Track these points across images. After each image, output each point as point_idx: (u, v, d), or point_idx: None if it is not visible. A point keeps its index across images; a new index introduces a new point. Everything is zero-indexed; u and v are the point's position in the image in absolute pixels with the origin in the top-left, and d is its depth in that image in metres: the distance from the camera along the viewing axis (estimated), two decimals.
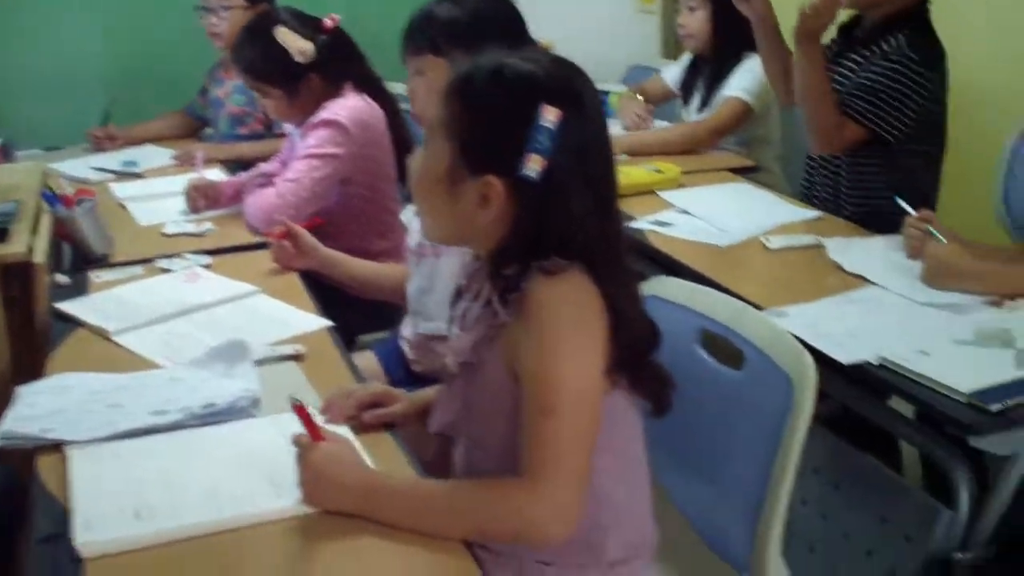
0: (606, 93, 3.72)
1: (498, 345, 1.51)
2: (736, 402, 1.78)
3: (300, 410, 1.53)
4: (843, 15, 2.87)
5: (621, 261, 1.54)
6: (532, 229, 1.47)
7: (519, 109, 1.44)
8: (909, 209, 2.38)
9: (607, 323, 1.47)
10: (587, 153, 1.48)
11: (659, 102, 3.82)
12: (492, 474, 1.54)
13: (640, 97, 3.75)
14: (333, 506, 1.49)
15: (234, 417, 1.78)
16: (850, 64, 2.85)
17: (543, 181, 1.44)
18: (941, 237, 2.26)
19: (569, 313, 1.45)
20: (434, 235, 1.64)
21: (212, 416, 1.78)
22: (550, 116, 1.42)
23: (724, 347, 1.82)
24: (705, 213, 2.77)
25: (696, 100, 3.62)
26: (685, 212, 2.79)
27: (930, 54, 2.75)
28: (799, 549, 2.19)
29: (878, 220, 2.78)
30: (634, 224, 2.70)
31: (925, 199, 2.81)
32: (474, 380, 1.56)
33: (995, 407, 1.74)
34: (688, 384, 1.71)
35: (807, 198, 3.01)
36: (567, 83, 1.49)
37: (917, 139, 2.78)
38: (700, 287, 1.93)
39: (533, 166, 1.43)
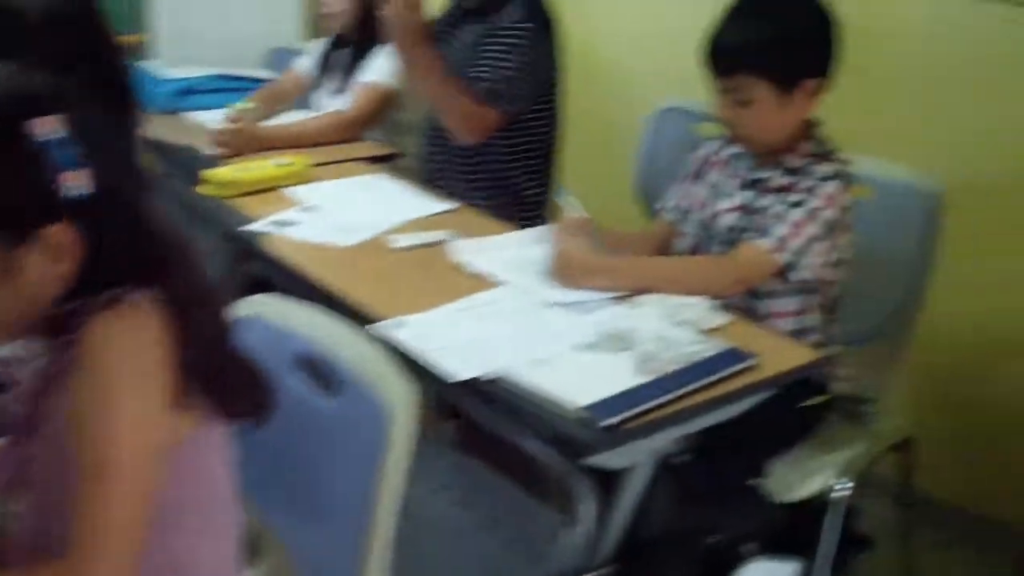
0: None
1: (61, 395, 1.26)
2: (333, 433, 1.61)
3: None
4: None
5: (194, 278, 1.33)
6: (97, 256, 1.24)
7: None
8: (570, 204, 2.26)
9: (177, 356, 1.25)
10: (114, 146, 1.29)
11: (295, 100, 3.56)
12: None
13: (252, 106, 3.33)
14: None
15: None
16: (466, 33, 2.82)
17: (98, 196, 1.22)
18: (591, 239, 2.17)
19: (124, 356, 1.22)
20: None
21: None
22: (46, 127, 1.18)
23: (324, 372, 1.63)
24: (330, 209, 2.56)
25: (332, 84, 3.41)
26: (312, 209, 2.58)
27: (546, 20, 2.76)
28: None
29: (510, 207, 2.71)
30: (249, 227, 2.46)
31: (547, 174, 2.86)
32: (36, 435, 1.30)
33: (606, 422, 1.62)
34: (288, 413, 1.55)
35: (435, 184, 2.90)
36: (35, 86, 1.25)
37: (541, 111, 2.80)
38: (299, 306, 1.72)
39: (75, 183, 1.20)
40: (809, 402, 2.16)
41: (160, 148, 3.03)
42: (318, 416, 1.62)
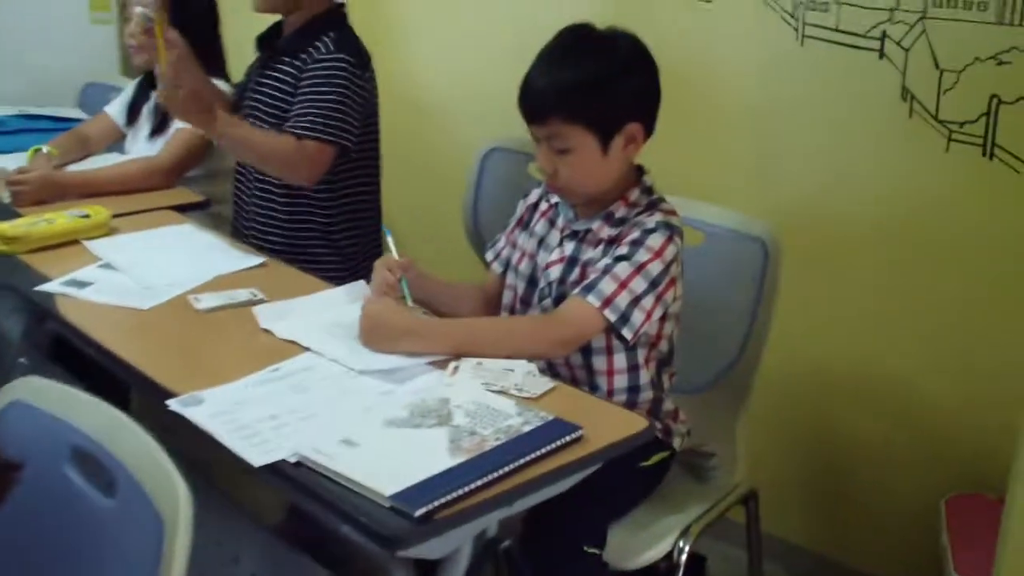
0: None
1: None
2: (108, 536, 1.42)
3: None
4: (262, 25, 2.66)
5: None
6: None
7: None
8: (392, 248, 2.11)
9: None
10: None
11: (101, 148, 3.31)
12: None
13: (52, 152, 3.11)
14: None
15: None
16: (279, 75, 2.68)
17: None
18: (407, 293, 2.02)
19: None
20: None
21: None
22: None
23: (99, 470, 1.45)
24: (130, 266, 2.35)
25: (146, 127, 3.18)
26: (110, 266, 2.37)
27: (361, 54, 2.66)
28: None
29: (328, 258, 2.58)
30: (45, 286, 2.25)
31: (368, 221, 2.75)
32: None
33: (418, 511, 1.46)
34: (56, 514, 1.43)
35: (247, 233, 2.72)
36: None
37: (361, 153, 2.71)
38: (72, 391, 1.53)
39: None
40: (650, 460, 2.04)
41: None
42: (93, 516, 1.43)
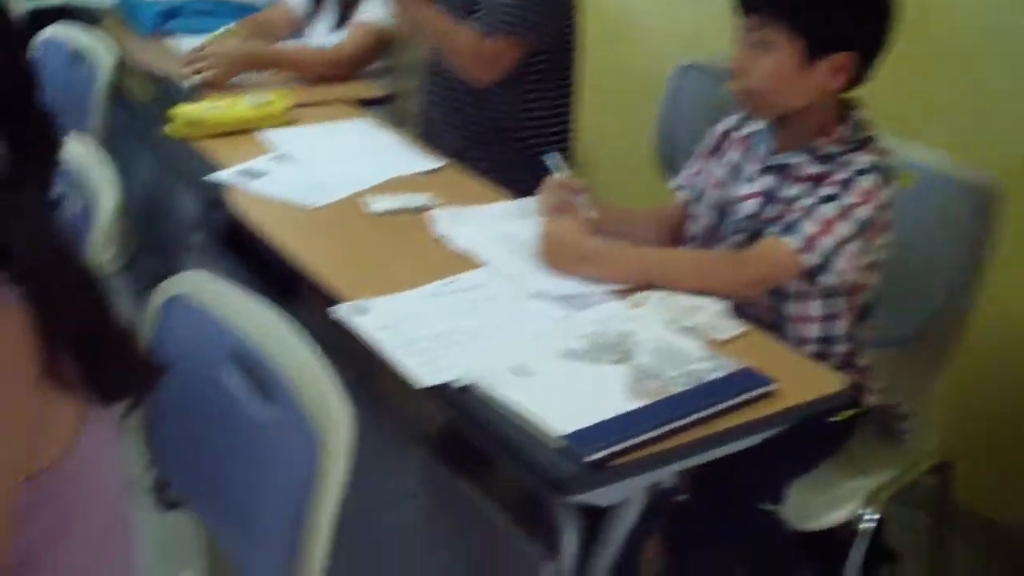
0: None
1: None
2: (265, 443, 1.35)
3: None
4: None
5: (67, 274, 1.08)
6: None
7: None
8: (559, 167, 1.97)
9: (43, 350, 1.01)
10: None
11: (284, 35, 3.24)
12: None
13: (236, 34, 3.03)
14: None
15: None
16: None
17: None
18: (589, 208, 1.88)
19: None
20: None
21: None
22: None
23: (259, 375, 1.37)
24: (304, 159, 2.27)
25: (328, 21, 3.08)
26: (284, 158, 2.29)
27: None
28: None
29: (512, 168, 2.42)
30: (218, 175, 2.19)
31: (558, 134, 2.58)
32: None
33: (590, 457, 1.34)
34: (212, 416, 1.40)
35: (431, 134, 2.61)
36: None
37: (553, 60, 2.55)
38: (236, 291, 1.45)
39: None
40: (839, 416, 1.87)
41: (151, 76, 2.82)
42: (250, 422, 1.36)
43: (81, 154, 1.94)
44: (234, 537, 1.45)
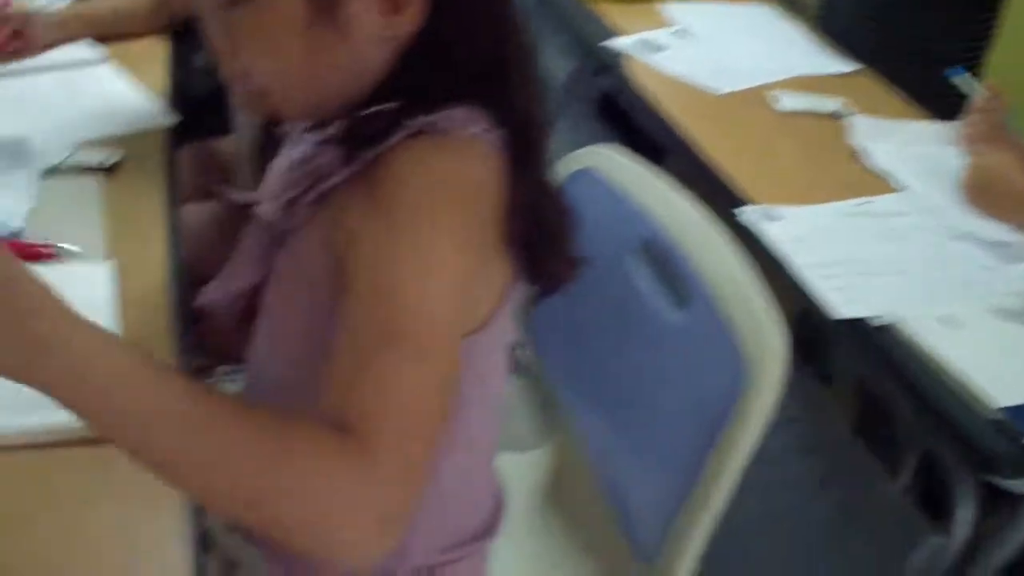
0: None
1: (322, 214, 0.95)
2: (672, 354, 1.22)
3: None
4: None
5: (531, 102, 0.97)
6: (431, 38, 0.92)
7: None
8: (972, 88, 1.76)
9: (503, 204, 0.92)
10: None
11: None
12: (280, 387, 1.05)
13: None
14: None
15: None
16: None
17: None
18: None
19: (436, 199, 0.88)
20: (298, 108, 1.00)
21: None
22: None
23: (670, 273, 1.25)
24: (707, 39, 2.12)
25: None
26: (684, 34, 2.15)
27: None
28: (750, 540, 1.68)
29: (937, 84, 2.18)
30: (615, 42, 2.08)
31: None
32: (283, 248, 1.01)
33: None
34: (617, 307, 1.25)
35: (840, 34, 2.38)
36: None
37: None
38: (652, 175, 1.31)
39: None
40: None
41: None
42: (654, 324, 1.24)
43: None
44: (613, 440, 1.35)
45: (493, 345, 1.05)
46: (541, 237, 0.99)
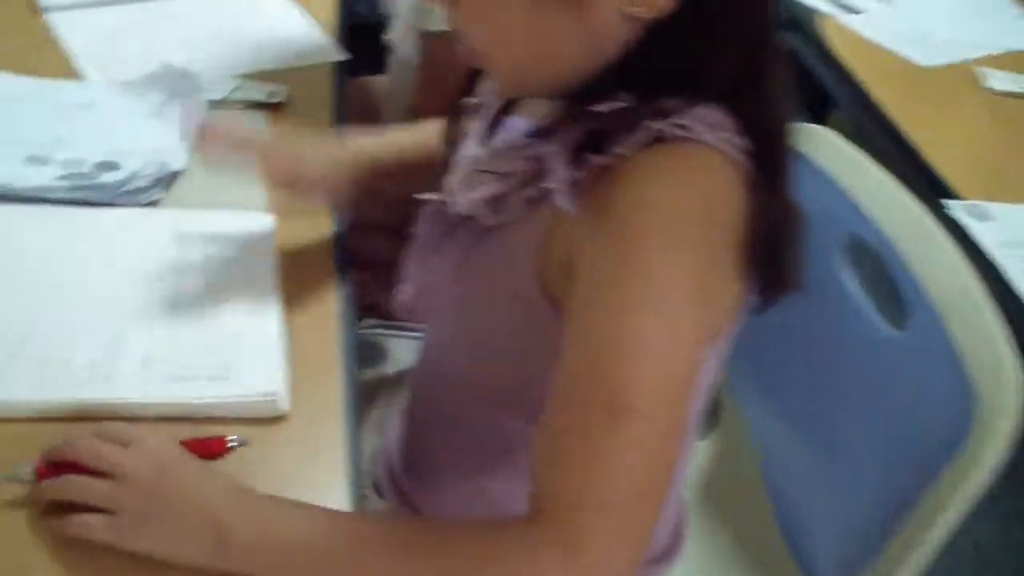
0: None
1: (533, 217, 0.86)
2: (884, 373, 1.10)
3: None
4: None
5: (776, 101, 0.86)
6: (689, 33, 0.80)
7: None
8: None
9: (745, 223, 0.82)
10: None
11: None
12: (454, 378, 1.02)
13: None
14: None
15: (125, 201, 1.19)
16: None
17: None
18: None
19: (687, 237, 0.79)
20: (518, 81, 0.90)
21: (95, 189, 1.19)
22: None
23: (886, 282, 1.13)
24: (909, 5, 1.98)
25: None
26: None
27: None
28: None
29: None
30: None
31: None
32: (477, 251, 0.93)
33: None
34: (815, 316, 1.12)
35: None
36: None
37: None
38: (866, 161, 1.17)
39: None
40: None
41: None
42: (863, 337, 1.11)
43: None
44: (795, 454, 1.26)
45: (707, 369, 0.96)
46: (779, 254, 0.90)
